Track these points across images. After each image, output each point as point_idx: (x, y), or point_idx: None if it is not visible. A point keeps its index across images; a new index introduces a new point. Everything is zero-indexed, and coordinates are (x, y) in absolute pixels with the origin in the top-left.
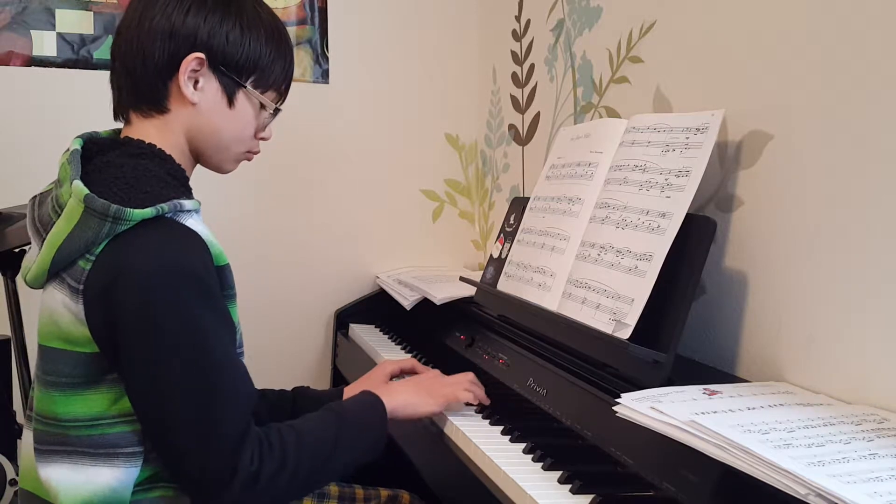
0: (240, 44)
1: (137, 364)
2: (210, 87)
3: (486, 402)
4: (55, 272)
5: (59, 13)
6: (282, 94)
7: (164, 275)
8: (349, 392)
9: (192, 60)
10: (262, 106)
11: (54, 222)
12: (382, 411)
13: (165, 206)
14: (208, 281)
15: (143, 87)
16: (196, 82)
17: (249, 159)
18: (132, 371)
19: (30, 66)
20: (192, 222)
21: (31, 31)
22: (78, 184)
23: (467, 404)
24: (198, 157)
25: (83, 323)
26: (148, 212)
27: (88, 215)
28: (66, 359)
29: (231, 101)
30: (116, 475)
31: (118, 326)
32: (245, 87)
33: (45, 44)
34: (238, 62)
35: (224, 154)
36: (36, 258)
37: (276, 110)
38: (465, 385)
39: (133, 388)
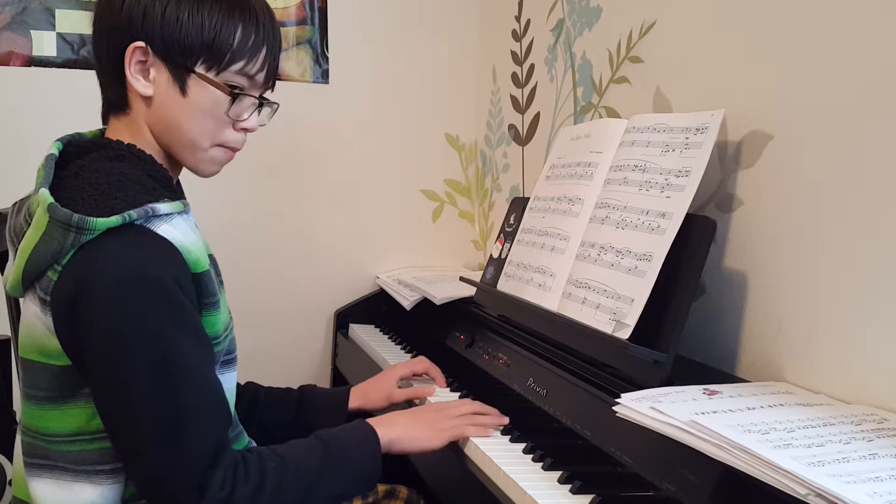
0: (177, 19)
1: (102, 379)
2: (161, 76)
3: (504, 422)
4: (29, 282)
5: (59, 13)
6: (251, 76)
7: (127, 286)
8: (356, 393)
9: (133, 50)
10: (233, 92)
11: (25, 231)
12: (376, 445)
13: (134, 213)
14: (176, 292)
15: (105, 89)
16: (147, 73)
17: (230, 157)
18: (97, 387)
19: (30, 66)
20: (165, 228)
21: (31, 31)
22: (44, 192)
23: None
24: (172, 157)
25: (54, 335)
26: (113, 220)
27: (53, 225)
28: (43, 372)
29: (183, 90)
30: (100, 492)
31: (83, 340)
32: (194, 71)
33: (45, 44)
34: (181, 41)
35: (192, 152)
36: (12, 268)
37: (234, 93)
38: (470, 418)
39: (99, 404)
